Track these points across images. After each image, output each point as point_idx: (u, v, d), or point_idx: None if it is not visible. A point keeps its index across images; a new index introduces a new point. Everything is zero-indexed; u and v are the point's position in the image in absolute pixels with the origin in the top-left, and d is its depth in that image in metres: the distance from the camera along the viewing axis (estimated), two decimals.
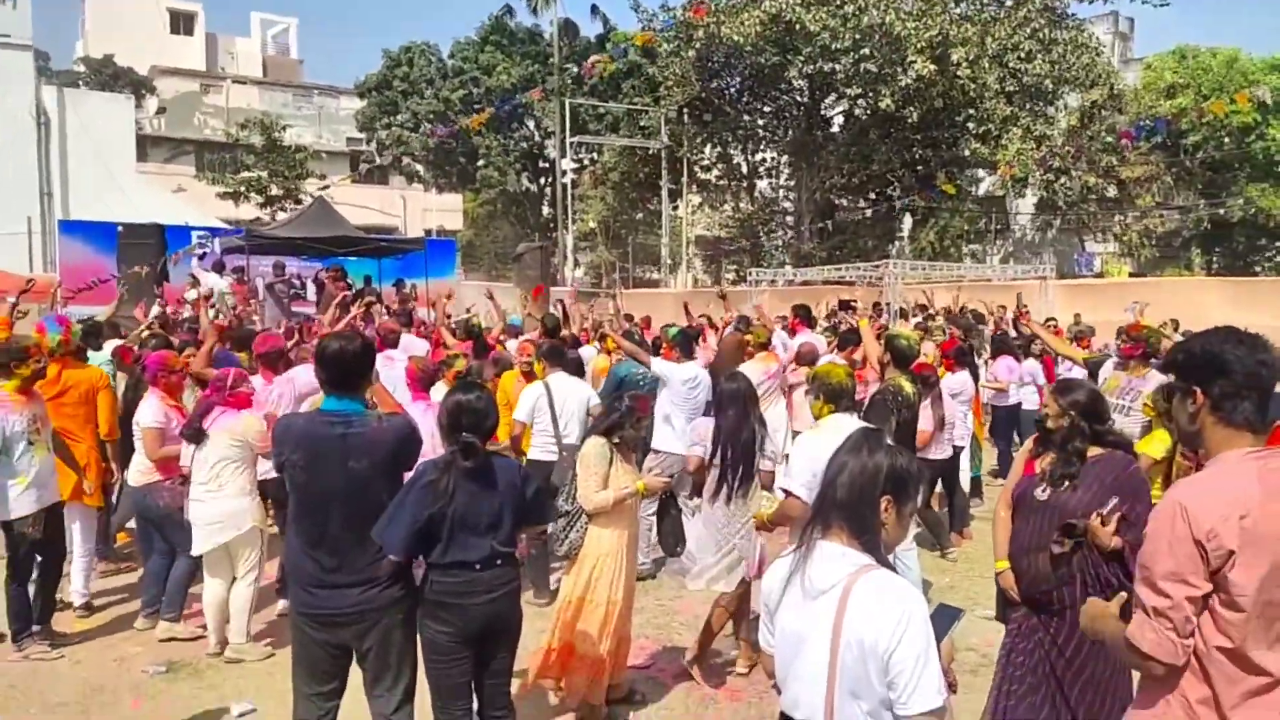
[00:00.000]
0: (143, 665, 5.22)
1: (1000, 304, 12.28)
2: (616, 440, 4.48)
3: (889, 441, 2.25)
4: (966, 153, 28.18)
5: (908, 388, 5.24)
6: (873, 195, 32.21)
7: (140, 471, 5.66)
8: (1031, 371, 10.13)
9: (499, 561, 3.43)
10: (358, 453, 3.34)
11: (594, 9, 38.80)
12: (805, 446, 4.14)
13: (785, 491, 4.14)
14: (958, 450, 7.77)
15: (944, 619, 2.36)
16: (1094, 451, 3.42)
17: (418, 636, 3.48)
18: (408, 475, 3.48)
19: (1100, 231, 32.98)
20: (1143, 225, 31.87)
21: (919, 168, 30.00)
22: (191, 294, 13.47)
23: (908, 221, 32.89)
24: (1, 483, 5.13)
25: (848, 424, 4.26)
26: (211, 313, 10.39)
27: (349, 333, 3.76)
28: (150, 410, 5.66)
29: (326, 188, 17.36)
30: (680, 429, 6.70)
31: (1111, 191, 31.10)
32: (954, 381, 7.87)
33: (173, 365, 5.85)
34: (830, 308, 12.03)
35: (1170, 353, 2.27)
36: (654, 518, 5.26)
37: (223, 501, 5.13)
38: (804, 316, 9.55)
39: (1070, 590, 3.32)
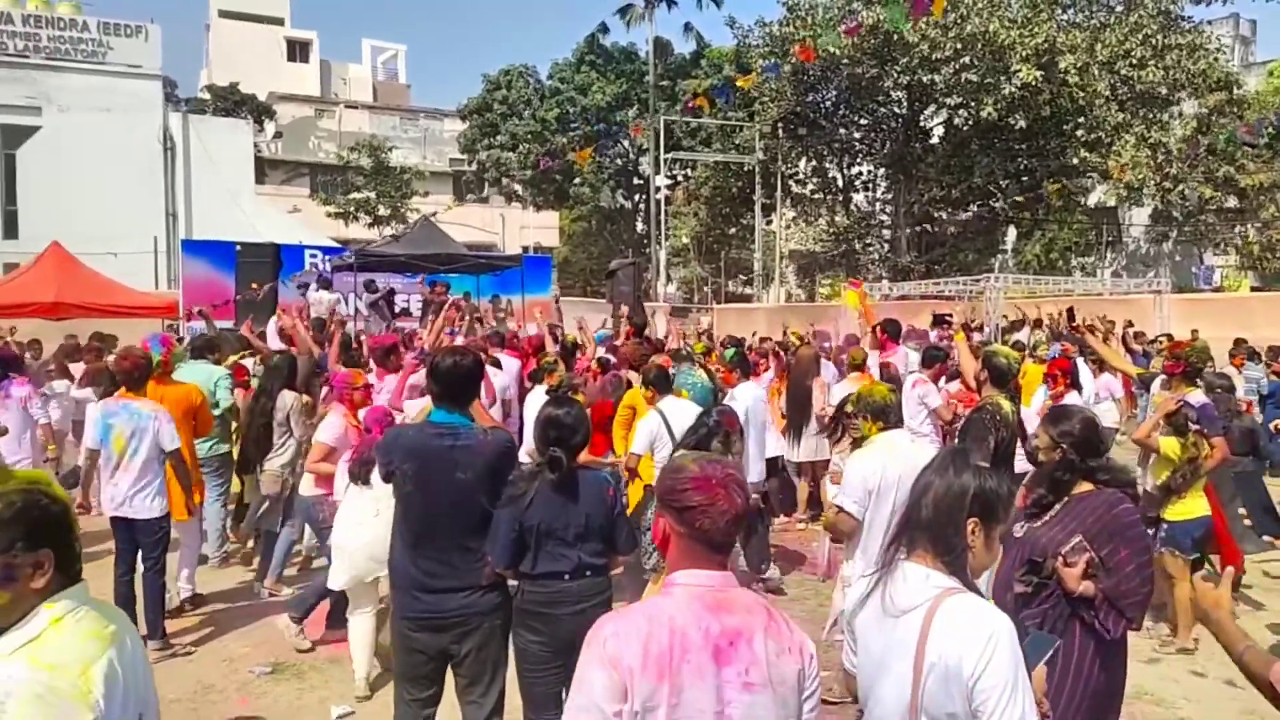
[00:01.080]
0: (250, 665, 5.47)
1: (1106, 316, 11.75)
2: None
3: (978, 461, 2.20)
4: (1075, 161, 27.19)
5: (1006, 407, 5.07)
6: (974, 207, 31.37)
7: (311, 483, 5.88)
8: (1109, 386, 9.54)
9: (588, 573, 3.48)
10: (464, 464, 3.46)
11: (687, 26, 39.07)
12: (858, 463, 4.16)
13: (838, 508, 4.14)
14: None
15: (1039, 648, 2.28)
16: (1083, 487, 3.16)
17: (510, 645, 3.56)
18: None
19: (1220, 243, 31.25)
20: (1266, 237, 30.07)
21: (1024, 178, 29.10)
22: (317, 303, 14.06)
23: (1011, 234, 31.86)
24: (156, 482, 5.50)
25: (899, 440, 4.29)
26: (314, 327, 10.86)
27: (462, 349, 3.89)
28: (329, 429, 5.78)
29: (435, 214, 17.91)
30: (753, 453, 6.67)
31: (1232, 201, 29.47)
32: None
33: (355, 383, 5.97)
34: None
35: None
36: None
37: (381, 528, 5.00)
38: (893, 333, 9.31)
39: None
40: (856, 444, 4.50)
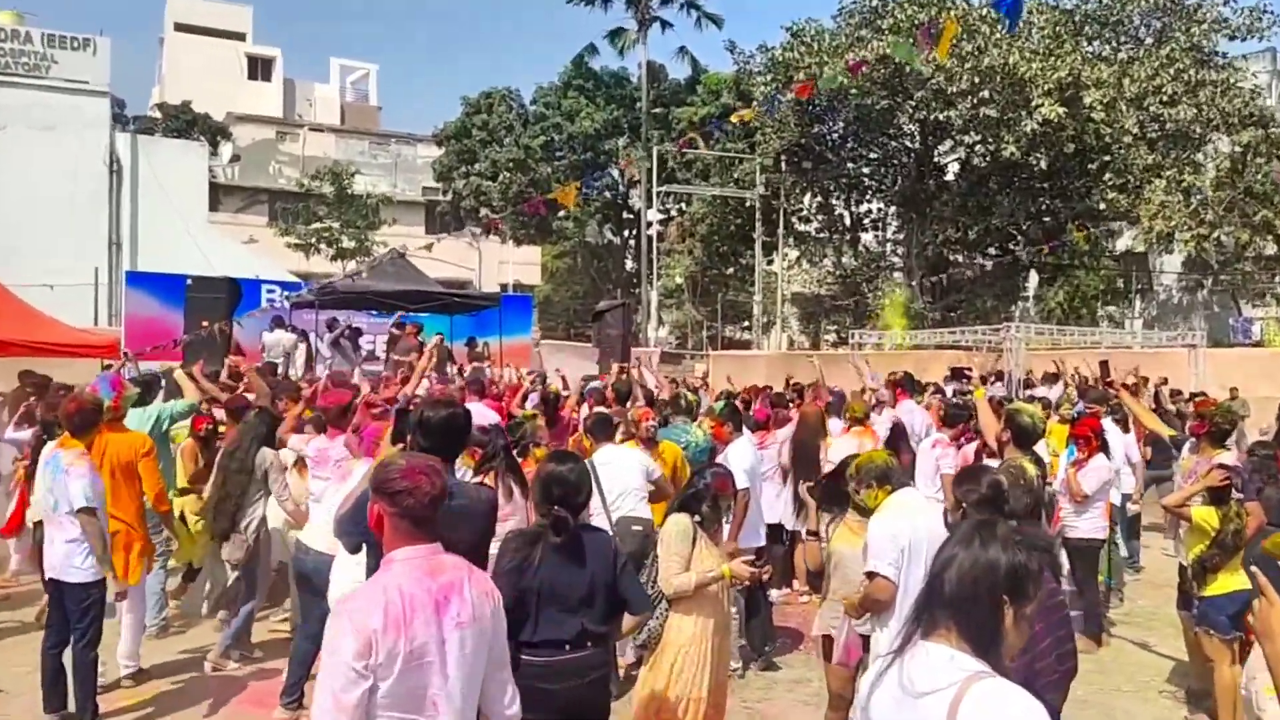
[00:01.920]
0: None
1: (1138, 369, 11.83)
2: (699, 518, 4.52)
3: (1006, 533, 2.23)
4: (1102, 205, 27.62)
5: (1031, 471, 5.11)
6: (992, 250, 31.72)
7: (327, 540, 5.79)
8: (1128, 448, 9.30)
9: (589, 643, 3.50)
10: (459, 525, 3.47)
11: (682, 49, 39.71)
12: (883, 524, 4.24)
13: (870, 574, 4.17)
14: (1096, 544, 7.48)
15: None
16: None
17: None
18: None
19: (1260, 293, 31.69)
20: None
21: (1046, 220, 29.49)
22: (261, 347, 14.05)
23: (1033, 279, 32.19)
24: (86, 542, 5.38)
25: (912, 499, 4.43)
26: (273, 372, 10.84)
27: (450, 398, 3.95)
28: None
29: (404, 247, 18.03)
30: (755, 518, 6.70)
31: (1271, 249, 29.95)
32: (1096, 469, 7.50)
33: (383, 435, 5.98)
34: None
35: None
36: (741, 610, 5.22)
37: None
38: (907, 385, 9.34)
39: None
40: (861, 512, 4.56)
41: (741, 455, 6.88)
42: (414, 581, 2.61)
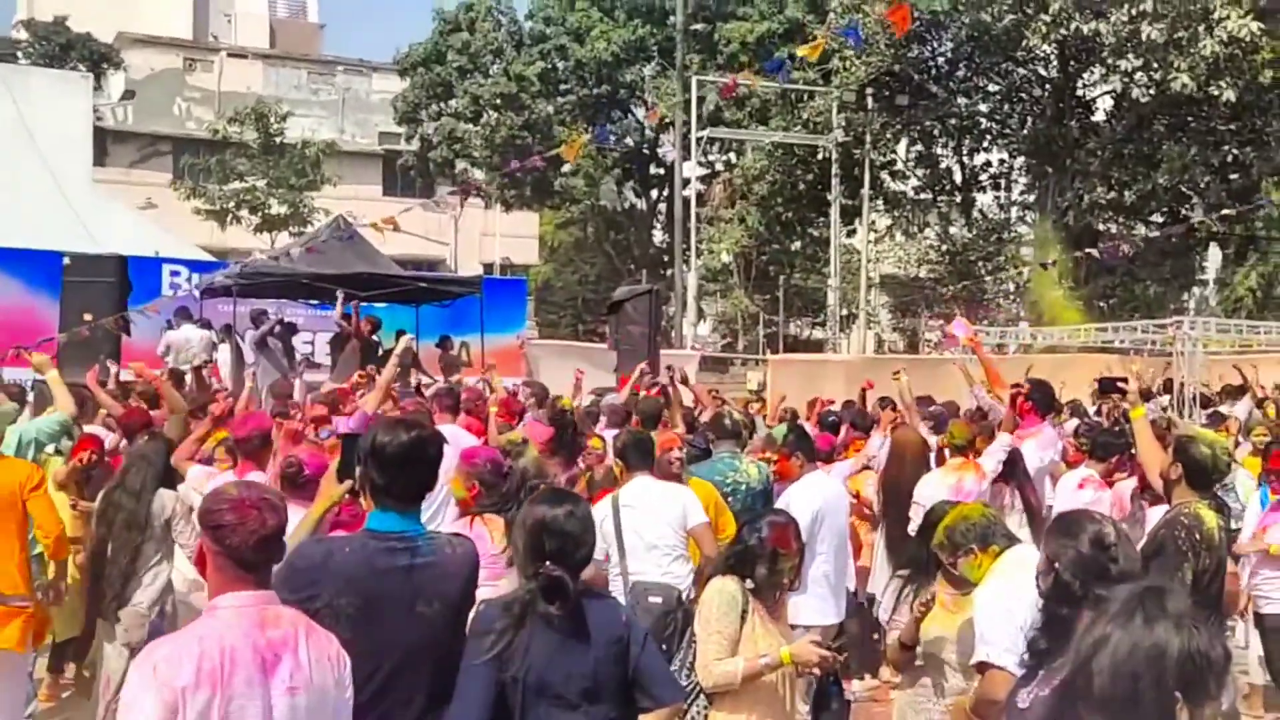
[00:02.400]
0: None
1: None
2: (751, 584, 4.50)
3: (1179, 607, 2.21)
4: None
5: (1209, 520, 5.07)
6: (1159, 218, 31.47)
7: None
8: None
9: None
10: (430, 592, 3.51)
11: None
12: (998, 600, 4.19)
13: (981, 666, 4.15)
14: None
15: None
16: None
17: None
18: None
19: None
20: None
21: (1233, 176, 29.22)
22: (161, 347, 14.20)
23: (1215, 257, 31.93)
24: None
25: (1029, 558, 4.29)
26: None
27: (415, 418, 3.97)
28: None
29: (353, 214, 18.14)
30: (825, 584, 6.68)
31: None
32: None
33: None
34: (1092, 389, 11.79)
35: None
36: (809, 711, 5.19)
37: None
38: (1039, 400, 9.22)
39: None
40: (956, 583, 4.54)
41: (806, 497, 6.85)
42: (239, 634, 2.87)
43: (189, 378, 13.23)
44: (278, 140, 35.42)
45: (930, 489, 7.30)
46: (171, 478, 6.72)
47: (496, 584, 4.51)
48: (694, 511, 6.27)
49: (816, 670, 4.70)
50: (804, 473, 7.13)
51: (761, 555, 4.55)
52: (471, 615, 3.62)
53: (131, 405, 8.55)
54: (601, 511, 6.05)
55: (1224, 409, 13.04)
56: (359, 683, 3.42)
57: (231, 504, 2.95)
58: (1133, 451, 7.63)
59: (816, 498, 6.91)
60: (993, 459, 7.82)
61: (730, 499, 6.92)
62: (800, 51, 13.24)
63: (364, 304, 16.11)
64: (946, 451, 8.12)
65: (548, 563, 3.49)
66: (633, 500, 6.22)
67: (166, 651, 2.82)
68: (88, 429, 8.03)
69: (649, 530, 6.15)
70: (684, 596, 6.01)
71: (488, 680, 3.40)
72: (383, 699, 3.47)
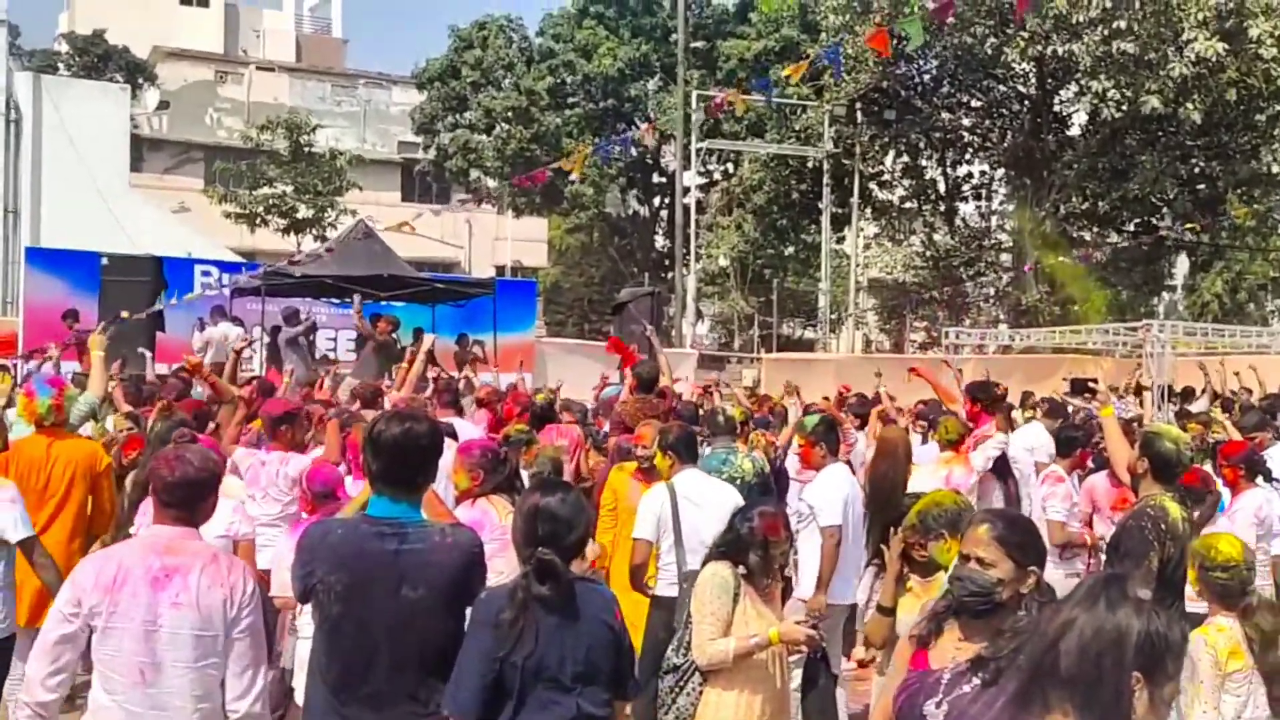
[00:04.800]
0: None
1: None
2: (744, 570, 4.53)
3: (1141, 592, 2.23)
4: (1275, 168, 27.33)
5: (1175, 512, 5.08)
6: (1130, 227, 31.45)
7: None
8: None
9: None
10: (414, 577, 3.48)
11: None
12: None
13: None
14: None
15: None
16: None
17: None
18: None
19: None
20: None
21: (1200, 187, 29.20)
22: (198, 343, 14.23)
23: (1183, 265, 31.89)
24: None
25: None
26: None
27: (412, 410, 4.00)
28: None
29: (373, 219, 18.16)
30: (851, 567, 6.67)
31: None
32: (1246, 506, 7.43)
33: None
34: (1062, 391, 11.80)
35: None
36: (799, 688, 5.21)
37: None
38: (986, 400, 9.21)
39: None
40: (925, 570, 4.52)
41: (835, 483, 6.80)
42: (137, 556, 3.61)
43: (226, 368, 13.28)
44: (308, 149, 35.38)
45: (922, 482, 7.32)
46: None
47: (506, 553, 4.49)
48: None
49: (804, 649, 4.73)
50: (825, 463, 7.09)
51: (753, 543, 4.56)
52: (475, 602, 3.60)
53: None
54: (659, 498, 6.07)
55: (1196, 408, 13.02)
56: (349, 652, 3.52)
57: (163, 457, 3.83)
58: (1098, 445, 7.67)
59: (845, 485, 6.90)
60: (983, 455, 7.87)
61: (736, 479, 6.87)
62: (785, 72, 13.34)
63: (383, 303, 16.16)
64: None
65: (541, 548, 3.48)
66: (691, 494, 6.12)
67: (85, 564, 3.74)
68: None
69: (705, 526, 6.06)
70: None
71: (486, 652, 3.40)
72: (371, 670, 3.49)
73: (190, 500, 3.68)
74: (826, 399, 13.37)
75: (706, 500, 6.09)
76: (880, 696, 3.42)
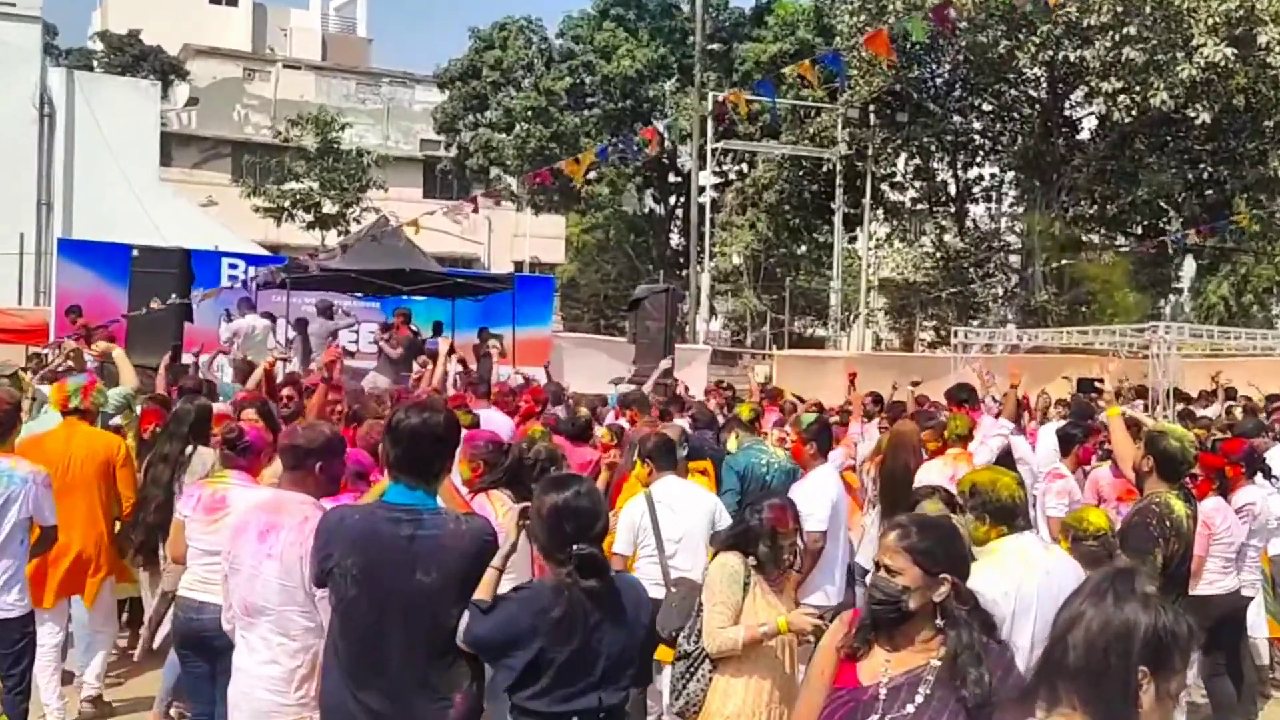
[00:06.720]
0: None
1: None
2: (754, 560, 4.53)
3: (1148, 588, 2.22)
4: None
5: (1178, 508, 5.06)
6: (1138, 230, 31.33)
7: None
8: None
9: (603, 716, 3.50)
10: (428, 562, 3.49)
11: None
12: (984, 580, 3.94)
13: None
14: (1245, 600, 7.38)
15: None
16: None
17: None
18: None
19: None
20: None
21: (1208, 191, 29.07)
22: (226, 334, 14.29)
23: (1189, 268, 31.76)
24: (15, 568, 5.49)
25: (1032, 548, 4.28)
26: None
27: (431, 401, 4.03)
28: None
29: (395, 215, 18.22)
30: (829, 568, 6.67)
31: None
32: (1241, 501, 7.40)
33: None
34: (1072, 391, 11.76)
35: None
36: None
37: None
38: (965, 398, 9.21)
39: None
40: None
41: (822, 486, 6.79)
42: (257, 511, 4.32)
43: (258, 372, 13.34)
44: (335, 146, 35.48)
45: (929, 478, 7.31)
46: (208, 436, 6.73)
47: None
48: (722, 515, 6.22)
49: (811, 638, 4.73)
50: (814, 464, 7.06)
51: (762, 534, 4.57)
52: (518, 593, 3.58)
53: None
54: (636, 509, 6.08)
55: (1202, 412, 13.02)
56: (362, 634, 3.53)
57: (290, 428, 4.91)
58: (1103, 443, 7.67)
59: (832, 489, 6.87)
60: (986, 449, 7.88)
61: (766, 476, 7.14)
62: (786, 70, 13.36)
63: (404, 297, 16.20)
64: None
65: (575, 545, 3.44)
66: (668, 499, 6.12)
67: (228, 515, 4.85)
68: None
69: (684, 530, 6.05)
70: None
71: (532, 619, 3.38)
72: (384, 652, 3.50)
73: (299, 465, 4.26)
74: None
75: (683, 505, 6.13)
76: (801, 710, 3.25)
